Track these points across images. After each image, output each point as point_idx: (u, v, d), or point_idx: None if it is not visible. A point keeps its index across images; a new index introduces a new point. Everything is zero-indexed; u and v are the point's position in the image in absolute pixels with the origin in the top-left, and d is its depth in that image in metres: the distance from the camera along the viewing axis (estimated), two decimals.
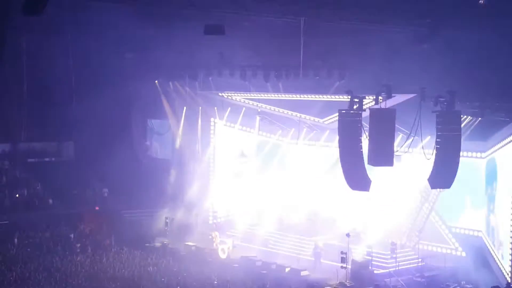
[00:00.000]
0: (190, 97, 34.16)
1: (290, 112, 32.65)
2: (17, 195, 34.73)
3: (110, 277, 25.45)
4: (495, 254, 26.75)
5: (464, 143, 23.68)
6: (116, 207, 35.09)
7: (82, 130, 34.53)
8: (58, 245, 29.76)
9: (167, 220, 33.06)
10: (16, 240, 29.93)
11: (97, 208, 35.23)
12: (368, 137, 22.59)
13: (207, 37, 21.87)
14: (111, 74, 32.67)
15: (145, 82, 34.60)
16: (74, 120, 33.27)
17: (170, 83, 34.14)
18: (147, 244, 30.93)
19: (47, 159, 37.64)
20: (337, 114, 24.41)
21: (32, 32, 27.96)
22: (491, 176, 28.05)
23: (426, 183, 24.61)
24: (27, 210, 33.89)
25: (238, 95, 32.99)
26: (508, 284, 23.45)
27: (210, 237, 30.85)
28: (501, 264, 25.49)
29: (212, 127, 35.08)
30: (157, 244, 31.12)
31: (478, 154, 28.52)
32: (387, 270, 27.48)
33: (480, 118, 25.86)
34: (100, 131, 34.76)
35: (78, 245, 29.83)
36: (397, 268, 27.56)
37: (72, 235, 30.92)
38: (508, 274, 24.22)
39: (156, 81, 34.66)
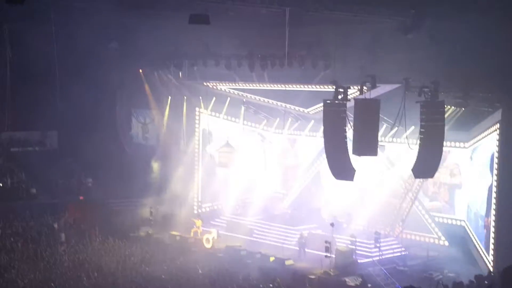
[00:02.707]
0: (175, 86, 34.02)
1: (275, 102, 32.67)
2: (0, 184, 34.50)
3: (94, 267, 25.41)
4: (477, 244, 27.02)
5: (447, 133, 23.84)
6: (101, 197, 34.99)
7: (66, 119, 34.30)
8: (42, 235, 29.64)
9: (151, 210, 33.04)
10: None
11: (81, 197, 35.12)
12: (352, 127, 22.67)
13: (192, 27, 21.80)
14: (95, 62, 32.41)
15: (130, 71, 34.41)
16: (58, 109, 33.01)
17: (155, 73, 33.97)
18: (132, 234, 30.88)
19: (30, 149, 37.41)
20: (322, 104, 24.43)
21: (15, 20, 27.64)
22: (475, 166, 28.29)
23: (410, 173, 24.76)
24: (10, 199, 33.69)
25: (223, 85, 32.92)
26: (489, 272, 23.68)
27: (194, 228, 30.91)
28: (483, 253, 25.76)
29: (197, 117, 34.99)
30: (142, 234, 31.12)
31: (461, 144, 28.75)
32: (371, 259, 27.71)
33: (463, 109, 26.03)
34: (84, 120, 34.56)
35: (62, 234, 29.71)
36: (380, 257, 27.78)
37: (56, 225, 30.76)
38: (490, 263, 24.48)
39: (140, 70, 34.49)
